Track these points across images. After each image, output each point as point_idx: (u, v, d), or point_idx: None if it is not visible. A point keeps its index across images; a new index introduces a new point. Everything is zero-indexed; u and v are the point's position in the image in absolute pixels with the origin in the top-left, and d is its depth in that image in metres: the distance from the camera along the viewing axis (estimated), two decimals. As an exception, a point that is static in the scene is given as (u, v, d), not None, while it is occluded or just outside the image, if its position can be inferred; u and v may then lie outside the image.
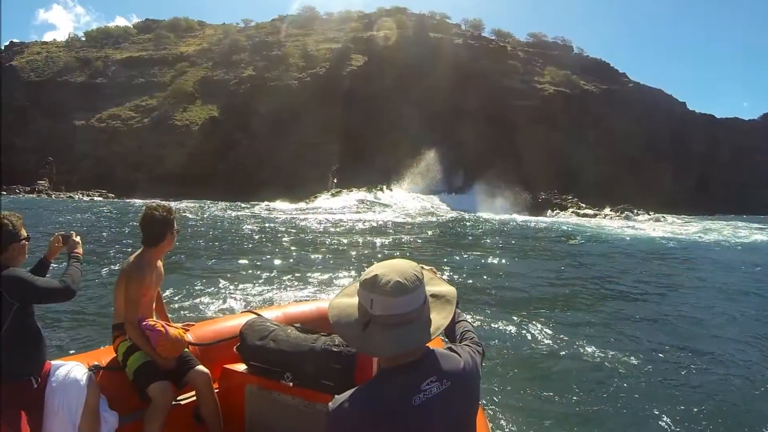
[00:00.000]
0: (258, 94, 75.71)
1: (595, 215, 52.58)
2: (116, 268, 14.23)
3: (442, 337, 2.96)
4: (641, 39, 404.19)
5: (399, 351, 2.24)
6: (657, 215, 53.74)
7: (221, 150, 70.41)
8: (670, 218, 54.23)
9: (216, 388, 4.68)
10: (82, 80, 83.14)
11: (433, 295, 2.44)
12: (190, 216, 34.80)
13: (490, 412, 6.91)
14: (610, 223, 46.03)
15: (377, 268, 2.28)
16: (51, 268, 4.44)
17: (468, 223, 37.80)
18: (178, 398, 4.65)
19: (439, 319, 2.38)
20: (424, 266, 2.70)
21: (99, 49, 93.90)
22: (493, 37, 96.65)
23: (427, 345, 2.34)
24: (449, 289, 2.55)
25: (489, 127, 71.54)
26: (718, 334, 10.77)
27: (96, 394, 4.10)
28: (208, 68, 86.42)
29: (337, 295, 2.50)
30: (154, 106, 78.49)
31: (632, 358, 9.13)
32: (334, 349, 4.28)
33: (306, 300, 8.30)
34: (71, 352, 7.33)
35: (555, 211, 55.49)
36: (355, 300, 2.32)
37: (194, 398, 4.64)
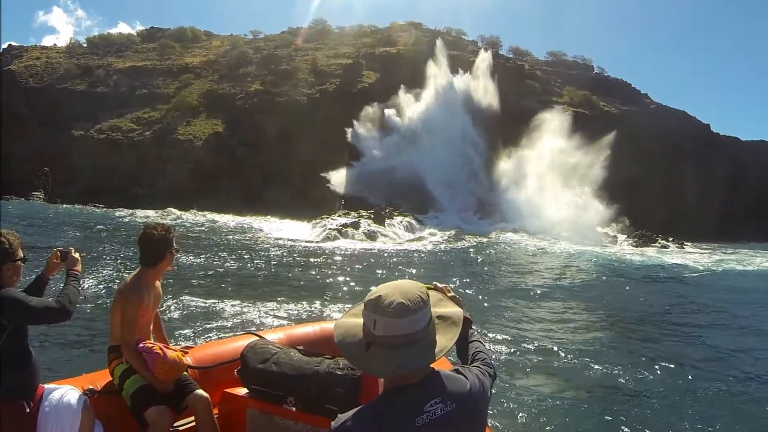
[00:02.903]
0: (265, 109, 75.79)
1: (613, 240, 52.16)
2: (113, 286, 14.29)
3: (452, 359, 2.98)
4: (664, 59, 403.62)
5: (400, 372, 2.30)
6: (678, 242, 53.43)
7: (225, 167, 70.39)
8: (692, 246, 53.92)
9: (216, 413, 4.69)
10: (83, 89, 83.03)
11: (439, 317, 2.49)
12: (191, 235, 34.84)
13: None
14: (628, 249, 45.81)
15: (382, 289, 2.35)
16: (49, 284, 4.49)
17: (483, 247, 37.72)
18: (177, 423, 4.66)
19: (444, 340, 2.42)
20: (437, 284, 2.79)
21: (101, 56, 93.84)
22: (511, 55, 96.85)
23: (432, 366, 2.39)
24: (456, 311, 2.61)
25: (504, 147, 71.11)
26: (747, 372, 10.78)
27: (90, 420, 4.11)
28: (213, 81, 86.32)
29: (343, 315, 2.56)
30: (157, 119, 78.41)
31: (645, 384, 9.15)
32: (339, 373, 4.30)
33: (309, 322, 8.27)
34: (65, 375, 7.35)
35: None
36: (361, 320, 2.38)
37: (193, 423, 4.65)
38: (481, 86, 76.75)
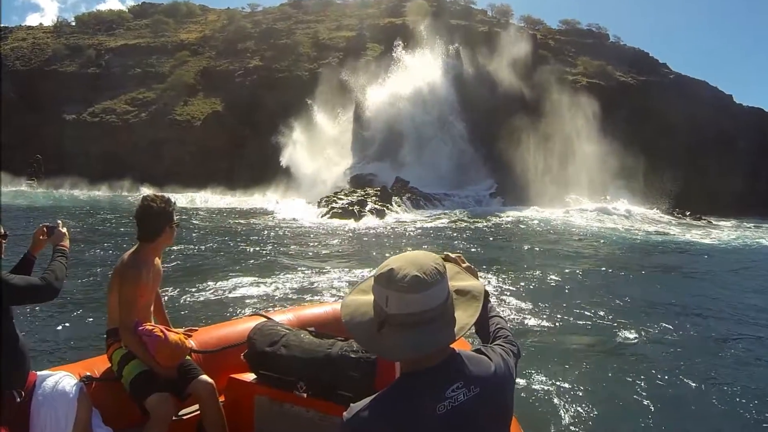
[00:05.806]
0: (265, 86, 75.68)
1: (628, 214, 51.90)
2: (111, 266, 14.29)
3: (471, 338, 2.88)
4: (683, 27, 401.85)
5: (417, 354, 2.18)
6: (697, 216, 53.40)
7: (226, 147, 70.39)
8: (713, 221, 53.80)
9: (222, 400, 4.60)
10: (73, 70, 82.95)
11: (457, 291, 2.37)
12: (193, 216, 34.85)
13: (525, 421, 6.83)
14: (645, 224, 45.65)
15: (393, 261, 2.23)
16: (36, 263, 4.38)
17: (496, 224, 37.66)
18: (180, 412, 4.58)
19: (465, 317, 2.30)
20: (449, 254, 2.67)
21: (91, 35, 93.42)
22: (522, 24, 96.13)
23: (451, 347, 2.27)
24: (476, 284, 2.48)
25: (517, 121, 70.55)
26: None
27: (88, 408, 4.01)
28: (210, 58, 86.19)
29: (351, 292, 2.44)
30: (152, 99, 78.35)
31: (683, 367, 9.08)
32: (352, 356, 4.20)
33: (321, 302, 8.22)
34: (60, 362, 7.28)
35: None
36: (371, 297, 2.26)
37: (198, 412, 4.58)
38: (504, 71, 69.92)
